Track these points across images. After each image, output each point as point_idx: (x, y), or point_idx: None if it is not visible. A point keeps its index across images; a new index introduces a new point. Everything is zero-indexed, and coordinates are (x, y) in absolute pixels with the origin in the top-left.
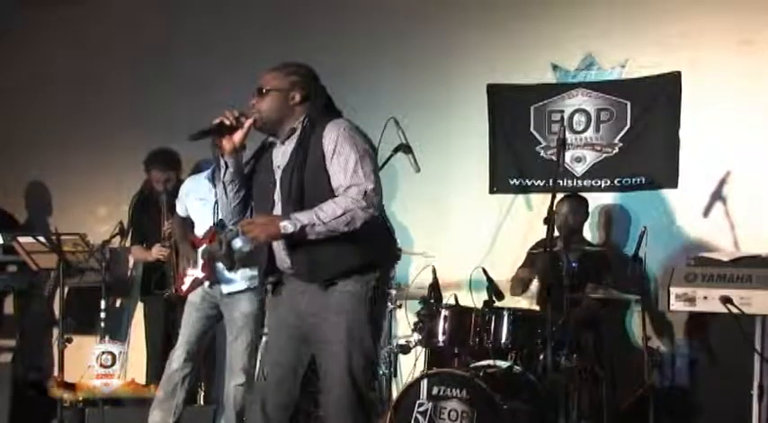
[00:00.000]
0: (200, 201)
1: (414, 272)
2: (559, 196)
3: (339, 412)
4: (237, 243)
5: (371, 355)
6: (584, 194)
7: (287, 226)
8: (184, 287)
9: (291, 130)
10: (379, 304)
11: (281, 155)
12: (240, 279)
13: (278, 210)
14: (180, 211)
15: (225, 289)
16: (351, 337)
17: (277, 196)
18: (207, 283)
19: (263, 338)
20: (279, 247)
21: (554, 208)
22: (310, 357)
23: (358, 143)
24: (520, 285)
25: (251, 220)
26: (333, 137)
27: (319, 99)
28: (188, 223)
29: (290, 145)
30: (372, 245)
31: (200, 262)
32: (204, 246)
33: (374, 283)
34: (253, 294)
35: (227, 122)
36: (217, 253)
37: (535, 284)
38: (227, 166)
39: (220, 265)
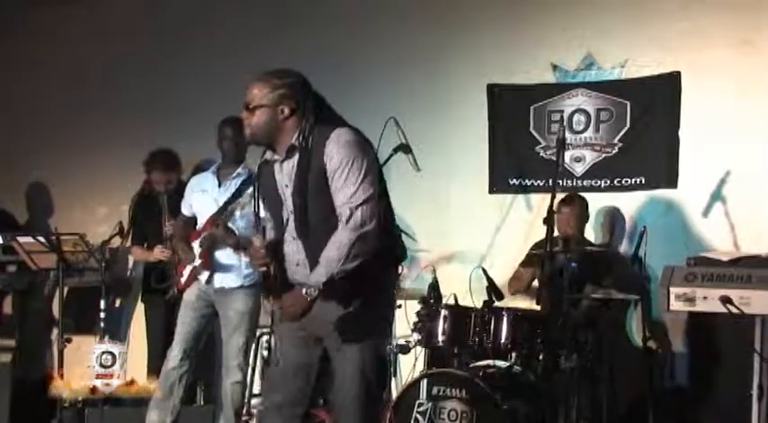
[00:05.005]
0: (202, 192)
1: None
2: (561, 196)
3: (350, 411)
4: (237, 225)
5: (382, 354)
6: (584, 194)
7: (311, 292)
8: (182, 279)
9: (291, 147)
10: (389, 305)
11: (285, 173)
12: (235, 275)
13: (291, 229)
14: (185, 210)
15: (218, 281)
16: (362, 337)
17: (285, 214)
18: (203, 281)
19: (265, 337)
20: (292, 263)
21: (554, 208)
22: (321, 354)
23: (358, 161)
24: (520, 283)
25: (282, 304)
26: (333, 154)
27: (310, 111)
28: (192, 223)
29: (291, 163)
30: (383, 269)
31: (199, 252)
32: (203, 234)
33: (383, 286)
34: (248, 292)
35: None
36: (218, 234)
37: (535, 284)
38: None
39: (218, 256)
